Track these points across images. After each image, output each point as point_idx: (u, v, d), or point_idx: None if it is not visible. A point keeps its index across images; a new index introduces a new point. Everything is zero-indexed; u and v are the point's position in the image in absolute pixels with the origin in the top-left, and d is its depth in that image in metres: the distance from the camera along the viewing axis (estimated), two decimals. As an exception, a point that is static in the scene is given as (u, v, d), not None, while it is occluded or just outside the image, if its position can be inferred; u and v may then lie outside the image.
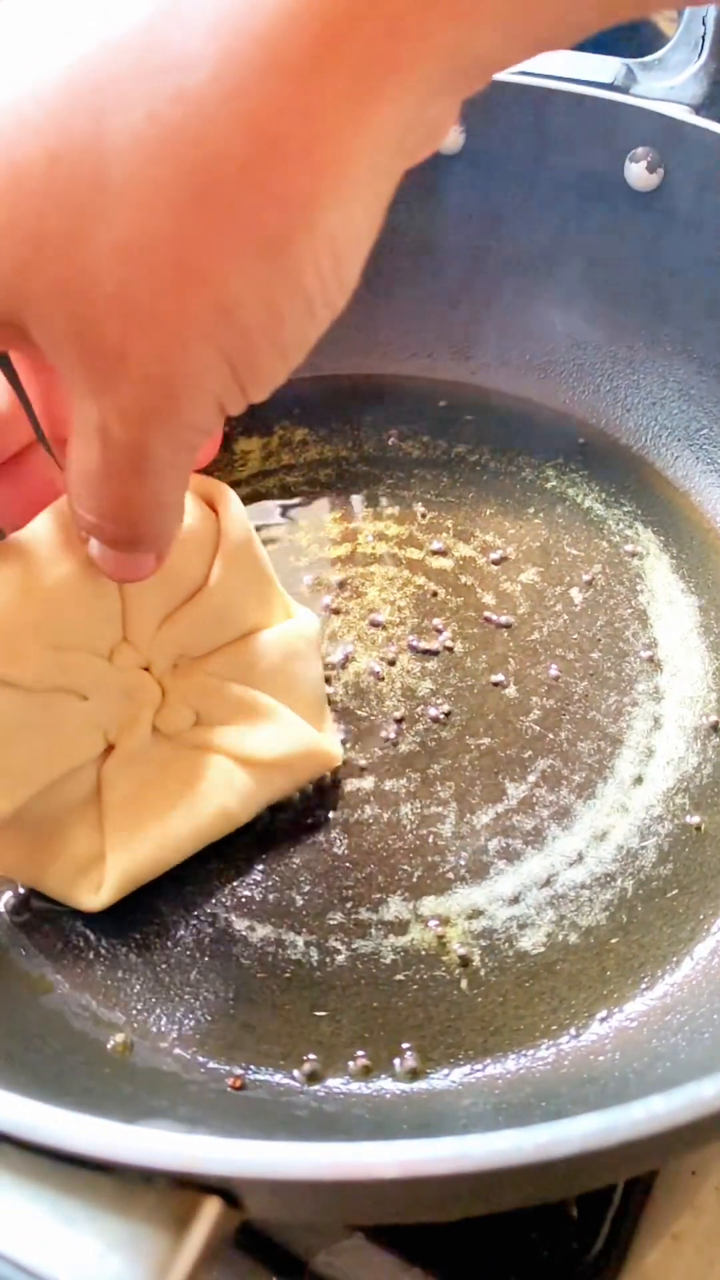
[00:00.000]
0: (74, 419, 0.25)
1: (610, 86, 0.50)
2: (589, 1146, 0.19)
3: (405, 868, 0.40)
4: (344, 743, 0.43)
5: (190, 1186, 0.20)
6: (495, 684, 0.45)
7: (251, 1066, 0.35)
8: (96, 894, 0.37)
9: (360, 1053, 0.35)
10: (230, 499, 0.38)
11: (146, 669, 0.37)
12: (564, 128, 0.50)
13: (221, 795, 0.38)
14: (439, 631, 0.47)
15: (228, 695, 0.39)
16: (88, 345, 0.23)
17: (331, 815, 0.41)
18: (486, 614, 0.48)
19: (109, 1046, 0.35)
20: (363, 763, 0.43)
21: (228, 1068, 0.35)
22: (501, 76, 0.51)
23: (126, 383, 0.23)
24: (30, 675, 0.33)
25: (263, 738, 0.39)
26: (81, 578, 0.33)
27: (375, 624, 0.47)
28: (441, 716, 0.44)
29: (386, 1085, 0.35)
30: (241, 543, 0.38)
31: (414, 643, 0.46)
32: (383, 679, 0.45)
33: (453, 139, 0.52)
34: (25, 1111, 0.20)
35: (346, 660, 0.46)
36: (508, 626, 0.47)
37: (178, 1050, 0.35)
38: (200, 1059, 0.35)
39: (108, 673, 0.36)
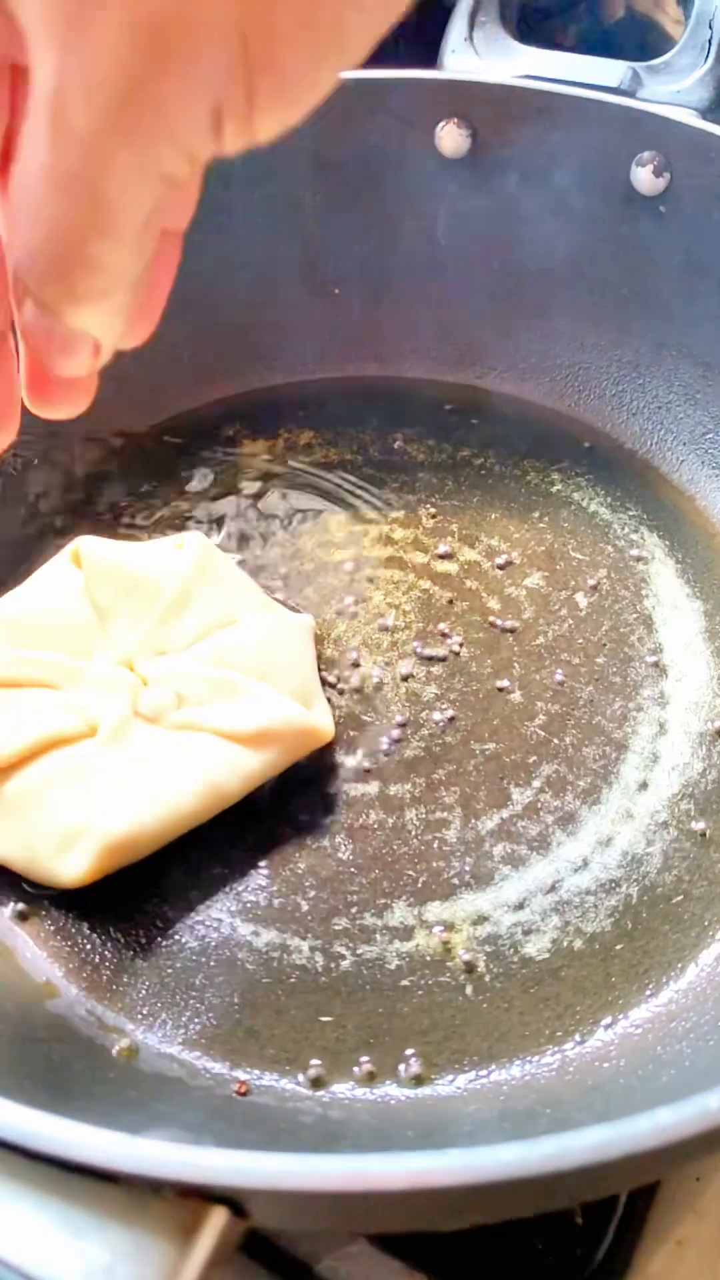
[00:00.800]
0: (29, 101, 0.19)
1: (617, 90, 0.50)
2: (595, 1159, 0.19)
3: (410, 873, 0.40)
4: (348, 748, 0.43)
5: (197, 1196, 0.20)
6: (500, 689, 0.45)
7: (256, 1072, 0.35)
8: (78, 864, 0.37)
9: (365, 1059, 0.35)
10: (198, 538, 0.45)
11: (130, 665, 0.42)
12: (570, 132, 0.50)
13: (203, 765, 0.39)
14: (444, 636, 0.47)
15: (207, 677, 0.41)
16: None
17: (336, 820, 0.41)
18: (492, 619, 0.47)
19: (114, 1052, 0.35)
20: (367, 767, 0.43)
21: (233, 1073, 0.35)
22: (508, 80, 0.51)
23: (104, 26, 0.17)
24: None
25: (240, 711, 0.40)
26: (51, 606, 0.43)
27: (381, 629, 0.47)
28: (446, 721, 0.44)
29: (391, 1091, 0.35)
30: (207, 560, 0.44)
31: (419, 648, 0.46)
32: (387, 684, 0.45)
33: (459, 143, 0.52)
34: (33, 1121, 0.20)
35: (351, 665, 0.46)
36: (513, 631, 0.47)
37: (183, 1055, 0.35)
38: (205, 1064, 0.35)
39: (82, 669, 0.41)
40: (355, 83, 0.51)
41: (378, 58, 0.53)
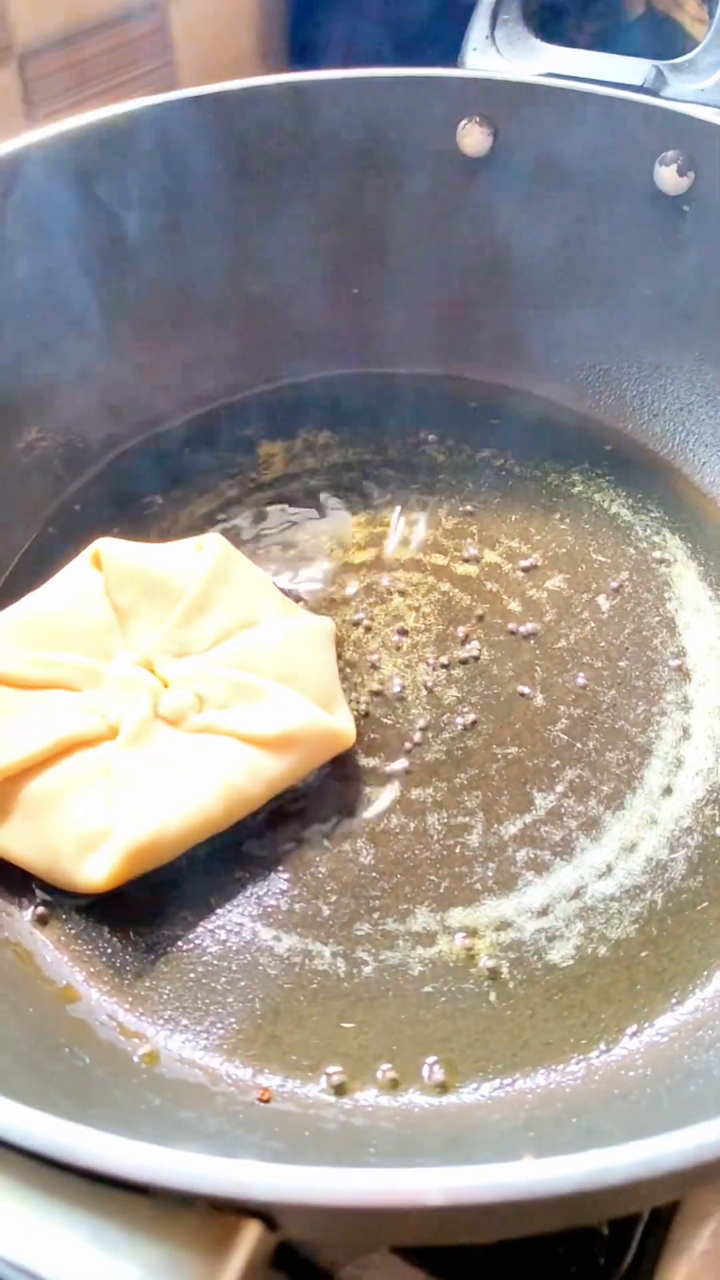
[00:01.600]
0: None
1: (640, 89, 0.49)
2: (636, 1176, 0.19)
3: (432, 878, 0.39)
4: (369, 751, 0.43)
5: (231, 1210, 0.20)
6: (522, 693, 0.45)
7: (279, 1079, 0.35)
8: (100, 869, 0.37)
9: (387, 1065, 0.35)
10: (218, 539, 0.45)
11: (150, 667, 0.42)
12: (593, 131, 0.50)
13: (225, 769, 0.39)
14: (465, 639, 0.47)
15: (228, 680, 0.41)
16: None
17: (357, 824, 0.41)
18: (513, 622, 0.47)
19: (135, 1057, 0.35)
20: (388, 771, 0.42)
21: (255, 1080, 0.35)
22: (530, 79, 0.50)
23: None
24: (14, 673, 0.40)
25: (262, 716, 0.40)
26: (72, 608, 0.43)
27: (401, 631, 0.47)
28: (468, 725, 0.44)
29: (415, 1099, 0.34)
30: (228, 561, 0.44)
31: (440, 651, 0.46)
32: (408, 687, 0.45)
33: (481, 142, 0.52)
34: (65, 1133, 0.20)
35: (372, 668, 0.45)
36: (534, 634, 0.47)
37: (205, 1061, 0.35)
38: (228, 1070, 0.35)
39: (102, 670, 0.41)
40: (377, 81, 0.51)
41: (399, 56, 0.53)
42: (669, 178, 0.49)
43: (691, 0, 0.68)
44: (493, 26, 0.53)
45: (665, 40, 0.70)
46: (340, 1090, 0.34)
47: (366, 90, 0.51)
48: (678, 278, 0.51)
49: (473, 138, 0.52)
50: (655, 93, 0.50)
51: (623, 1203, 0.23)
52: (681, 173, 0.49)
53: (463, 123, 0.51)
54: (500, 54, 0.52)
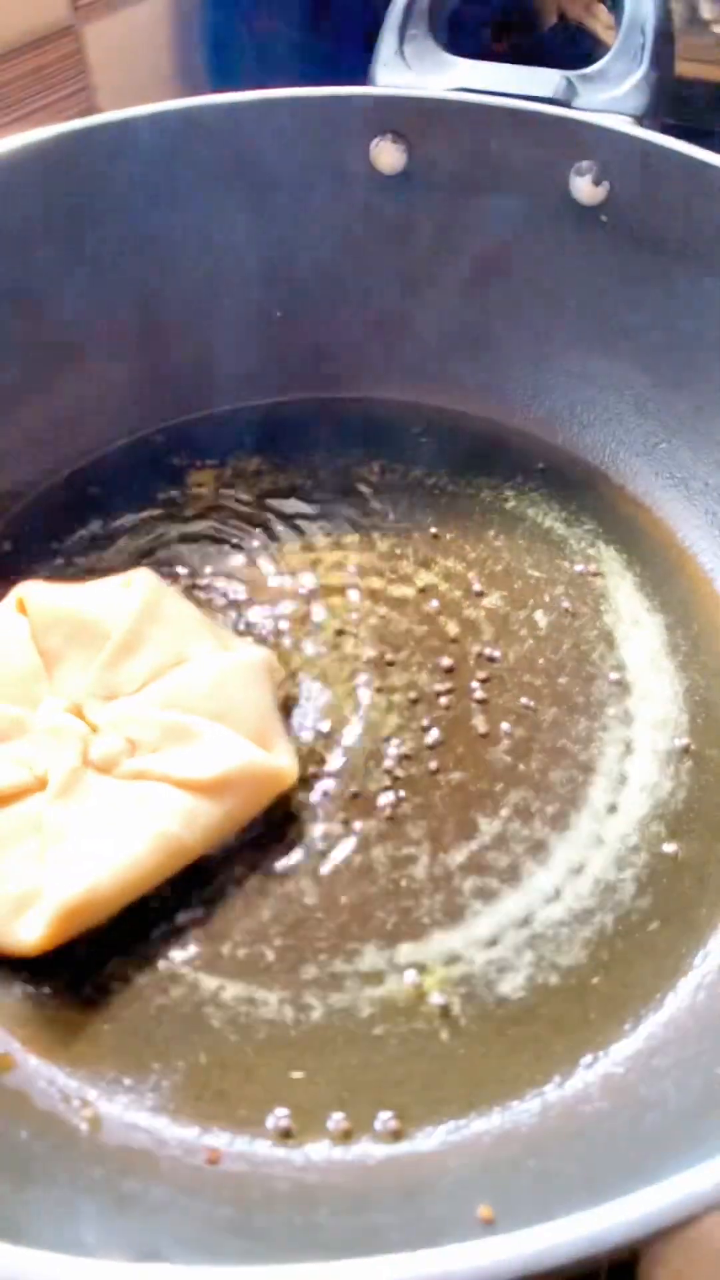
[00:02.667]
0: None
1: (552, 100, 0.49)
2: (582, 1253, 0.18)
3: (379, 914, 0.38)
4: (309, 785, 0.42)
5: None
6: (463, 715, 0.44)
7: (227, 1136, 0.33)
8: (33, 931, 0.35)
9: (340, 1115, 0.34)
10: (146, 574, 0.44)
11: (79, 712, 0.40)
12: (507, 143, 0.49)
13: (160, 819, 0.37)
14: (404, 663, 0.46)
15: (159, 722, 0.39)
16: None
17: (300, 862, 0.40)
18: (451, 642, 0.46)
19: (76, 1124, 0.33)
20: (330, 804, 0.41)
21: (202, 1140, 0.33)
22: (440, 94, 0.50)
23: None
24: None
25: (197, 758, 0.38)
26: None
27: (339, 658, 0.46)
28: (411, 752, 0.43)
29: (368, 1149, 0.33)
30: (157, 597, 0.42)
31: (379, 677, 0.45)
32: (349, 716, 0.44)
33: (394, 158, 0.51)
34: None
35: (309, 698, 0.44)
36: (474, 654, 0.46)
37: (149, 1123, 0.34)
38: (173, 1132, 0.33)
39: (27, 718, 0.40)
40: (286, 101, 0.50)
41: (307, 74, 0.52)
42: (585, 188, 0.49)
43: (602, 9, 0.68)
44: (401, 41, 0.52)
45: (580, 49, 0.71)
46: (291, 1143, 0.33)
47: (276, 110, 0.50)
48: (599, 287, 0.51)
49: (387, 155, 0.51)
50: (567, 103, 0.49)
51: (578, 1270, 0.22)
52: (597, 182, 0.49)
53: (375, 140, 0.51)
54: (410, 69, 0.52)
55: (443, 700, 0.45)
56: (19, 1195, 0.29)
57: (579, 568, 0.49)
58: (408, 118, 0.50)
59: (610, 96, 0.49)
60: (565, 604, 0.48)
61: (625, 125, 0.48)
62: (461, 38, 0.55)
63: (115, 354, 0.53)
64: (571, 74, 0.50)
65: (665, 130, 0.48)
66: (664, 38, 0.51)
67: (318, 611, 0.48)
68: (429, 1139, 0.33)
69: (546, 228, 0.51)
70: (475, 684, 0.45)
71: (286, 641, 0.47)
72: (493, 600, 0.48)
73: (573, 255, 0.51)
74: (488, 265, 0.53)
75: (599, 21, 0.70)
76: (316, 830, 0.41)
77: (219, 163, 0.51)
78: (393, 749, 0.43)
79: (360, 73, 0.52)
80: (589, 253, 0.50)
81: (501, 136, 0.49)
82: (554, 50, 0.72)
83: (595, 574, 0.49)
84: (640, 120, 0.49)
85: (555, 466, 0.53)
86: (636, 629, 0.47)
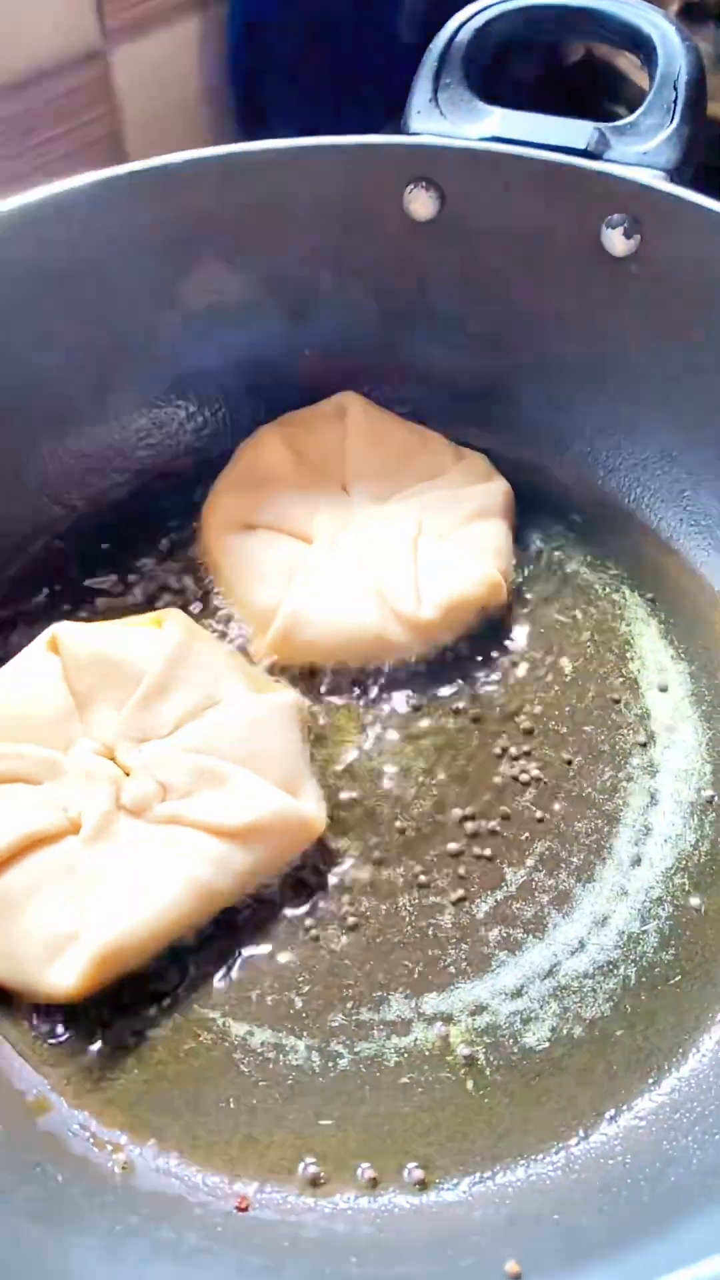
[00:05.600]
0: None
1: (584, 152, 0.50)
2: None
3: (406, 963, 0.39)
4: (338, 832, 0.42)
5: None
6: (489, 762, 0.45)
7: (256, 1183, 0.34)
8: (68, 976, 0.36)
9: (366, 1164, 0.35)
10: (177, 615, 0.44)
11: (110, 754, 0.41)
12: (539, 194, 0.50)
13: (190, 865, 0.38)
14: (428, 709, 0.46)
15: (191, 765, 0.40)
16: None
17: (328, 908, 0.40)
18: (477, 688, 0.47)
19: (110, 1168, 0.34)
20: (358, 851, 0.42)
21: (232, 1186, 0.34)
22: (474, 144, 0.51)
23: None
24: None
25: (228, 804, 0.39)
26: (28, 696, 0.41)
27: (367, 703, 0.46)
28: (437, 799, 0.43)
29: (395, 1200, 0.34)
30: (189, 639, 0.43)
31: (406, 722, 0.46)
32: (376, 761, 0.45)
33: (428, 206, 0.52)
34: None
35: (338, 743, 0.45)
36: (498, 701, 0.47)
37: (180, 1170, 0.34)
38: (204, 1178, 0.34)
39: (61, 761, 0.40)
40: (322, 148, 0.51)
41: (343, 123, 0.52)
42: (617, 240, 0.50)
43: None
44: (435, 89, 0.53)
45: (606, 85, 0.71)
46: (319, 1192, 0.34)
47: (313, 156, 0.51)
48: (628, 336, 0.52)
49: (420, 203, 0.52)
50: (599, 156, 0.50)
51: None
52: (628, 235, 0.49)
53: (409, 188, 0.51)
54: (444, 117, 0.52)
55: (468, 746, 0.45)
56: (56, 1240, 0.30)
57: (604, 613, 0.50)
58: (442, 167, 0.51)
59: (642, 150, 0.50)
60: (590, 650, 0.49)
61: (657, 180, 0.48)
62: (494, 76, 0.55)
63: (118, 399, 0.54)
64: (604, 126, 0.51)
65: (702, 170, 0.48)
66: (696, 88, 0.51)
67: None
68: (454, 1190, 0.34)
69: (577, 277, 0.51)
70: (501, 731, 0.46)
71: (314, 683, 0.47)
72: (518, 645, 0.49)
73: (603, 306, 0.51)
74: (516, 312, 0.53)
75: (625, 58, 0.70)
76: (345, 878, 0.41)
77: (248, 211, 0.52)
78: (419, 795, 0.43)
79: (389, 102, 0.53)
80: (618, 303, 0.51)
81: (534, 187, 0.50)
82: (581, 84, 0.73)
83: (620, 619, 0.50)
84: (671, 175, 0.49)
85: (581, 512, 0.54)
86: (661, 676, 0.48)
